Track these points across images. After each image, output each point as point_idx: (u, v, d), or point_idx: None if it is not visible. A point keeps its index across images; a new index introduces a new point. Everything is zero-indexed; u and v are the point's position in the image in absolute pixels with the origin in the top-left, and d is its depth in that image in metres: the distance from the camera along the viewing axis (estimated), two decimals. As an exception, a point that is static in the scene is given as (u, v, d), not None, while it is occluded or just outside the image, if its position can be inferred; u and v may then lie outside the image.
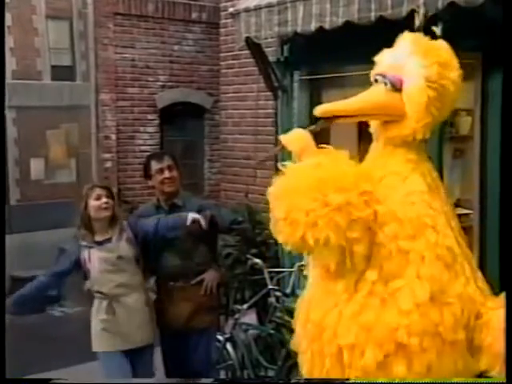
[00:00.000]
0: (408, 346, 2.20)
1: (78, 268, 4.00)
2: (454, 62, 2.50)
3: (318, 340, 2.38)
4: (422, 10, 3.88)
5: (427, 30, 2.69)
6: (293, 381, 4.60)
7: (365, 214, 2.17)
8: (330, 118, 2.45)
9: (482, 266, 4.19)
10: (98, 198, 3.97)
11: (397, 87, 2.40)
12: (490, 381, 2.01)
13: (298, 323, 2.58)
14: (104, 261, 3.94)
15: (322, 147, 2.38)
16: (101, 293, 3.96)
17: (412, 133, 2.41)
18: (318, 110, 2.40)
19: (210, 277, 4.22)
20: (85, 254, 3.96)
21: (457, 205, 4.61)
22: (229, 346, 5.12)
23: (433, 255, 2.25)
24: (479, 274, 2.44)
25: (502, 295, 2.28)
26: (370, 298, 2.25)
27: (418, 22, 2.69)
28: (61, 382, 2.32)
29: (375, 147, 2.57)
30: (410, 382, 2.19)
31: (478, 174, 4.25)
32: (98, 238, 3.98)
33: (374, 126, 2.57)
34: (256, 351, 5.09)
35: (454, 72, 2.47)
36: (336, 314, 2.31)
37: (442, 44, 2.55)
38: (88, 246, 3.96)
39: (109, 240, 3.99)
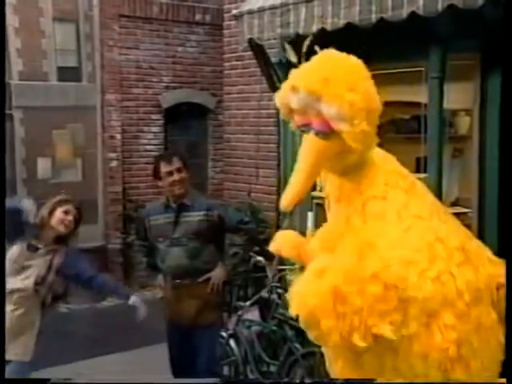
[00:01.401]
0: (462, 356, 2.23)
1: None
2: (355, 72, 2.34)
3: (380, 377, 2.38)
4: (307, 42, 3.98)
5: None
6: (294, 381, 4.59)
7: (392, 304, 2.14)
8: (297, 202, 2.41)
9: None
10: (67, 213, 3.95)
11: (327, 133, 2.30)
12: (489, 381, 1.99)
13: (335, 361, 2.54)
14: (13, 261, 3.86)
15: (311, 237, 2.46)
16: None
17: (361, 156, 2.38)
18: (285, 207, 2.37)
19: (217, 275, 4.22)
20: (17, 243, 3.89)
21: (456, 204, 4.60)
22: (232, 342, 5.12)
23: (455, 265, 2.26)
24: (477, 242, 2.52)
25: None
26: (418, 329, 2.23)
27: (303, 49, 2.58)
28: (60, 382, 2.30)
29: (330, 179, 2.55)
30: (411, 382, 2.19)
31: (476, 173, 4.24)
32: (33, 241, 3.92)
33: (325, 187, 2.58)
34: (259, 347, 5.09)
35: (361, 82, 2.32)
36: (391, 351, 2.27)
37: (334, 64, 2.38)
38: (22, 240, 3.91)
39: (36, 248, 3.91)
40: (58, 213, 3.93)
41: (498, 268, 2.38)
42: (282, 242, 2.58)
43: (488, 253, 2.46)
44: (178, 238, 4.15)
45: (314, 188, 4.66)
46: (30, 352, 3.90)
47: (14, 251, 3.87)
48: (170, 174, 4.17)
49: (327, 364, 2.61)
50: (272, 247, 2.56)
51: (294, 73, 2.46)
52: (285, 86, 2.43)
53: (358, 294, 2.12)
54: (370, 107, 2.30)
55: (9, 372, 3.66)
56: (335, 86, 2.26)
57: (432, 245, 2.27)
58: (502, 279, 2.32)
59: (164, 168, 4.19)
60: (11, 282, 3.79)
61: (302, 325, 2.24)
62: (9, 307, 3.78)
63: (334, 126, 2.26)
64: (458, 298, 2.23)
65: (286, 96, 2.41)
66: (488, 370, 2.28)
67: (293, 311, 2.23)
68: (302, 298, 2.19)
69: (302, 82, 2.36)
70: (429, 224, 2.33)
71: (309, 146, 2.35)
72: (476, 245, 2.45)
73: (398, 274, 2.19)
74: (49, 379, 2.10)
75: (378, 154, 2.54)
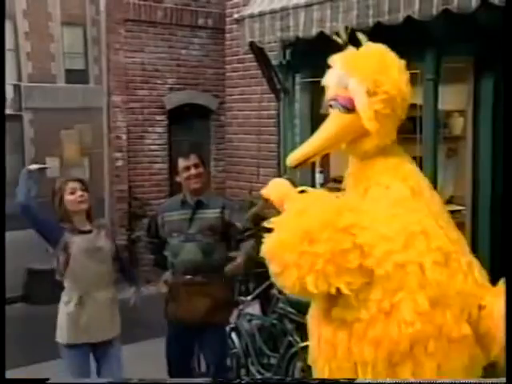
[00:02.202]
0: (414, 354, 2.18)
1: (51, 238, 3.89)
2: (390, 62, 2.43)
3: (333, 358, 2.36)
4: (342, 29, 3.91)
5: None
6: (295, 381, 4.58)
7: (353, 264, 2.16)
8: (303, 162, 2.47)
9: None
10: (73, 192, 3.88)
11: (350, 109, 2.37)
12: (490, 381, 1.96)
13: (311, 339, 2.55)
14: (84, 250, 3.83)
15: (302, 191, 2.41)
16: (76, 284, 3.86)
17: (377, 143, 2.41)
18: (291, 161, 2.44)
19: (237, 264, 4.10)
20: (66, 238, 3.84)
21: (450, 201, 4.60)
22: (234, 335, 5.12)
23: (429, 261, 2.20)
24: (475, 263, 2.36)
25: (500, 284, 2.25)
26: (376, 314, 2.21)
27: (341, 40, 2.63)
28: (59, 382, 2.27)
29: (352, 161, 2.56)
30: (411, 382, 2.18)
31: (470, 172, 4.23)
32: (80, 227, 3.90)
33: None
34: (259, 340, 5.09)
35: (393, 71, 2.40)
36: (346, 332, 2.28)
37: (371, 51, 2.48)
38: (70, 231, 3.86)
39: (90, 231, 3.91)
40: (67, 197, 3.88)
41: (484, 291, 2.27)
42: (273, 187, 2.60)
43: (479, 275, 2.32)
44: (193, 233, 4.13)
45: (313, 185, 4.67)
46: None
47: (78, 240, 3.86)
48: (187, 168, 4.18)
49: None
50: (263, 191, 2.58)
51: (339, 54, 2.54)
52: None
53: (326, 240, 2.13)
54: (393, 94, 2.34)
55: None
56: (366, 66, 2.37)
57: (414, 235, 2.23)
58: (484, 302, 2.23)
59: (182, 163, 4.20)
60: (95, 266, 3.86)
61: (266, 256, 2.24)
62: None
63: (355, 101, 2.34)
64: (419, 291, 2.17)
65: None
66: (449, 376, 2.21)
67: (264, 243, 2.25)
68: (275, 231, 2.23)
69: (339, 58, 2.48)
70: (420, 218, 2.29)
71: (331, 118, 2.43)
72: (468, 261, 2.32)
73: (368, 240, 2.19)
74: (47, 379, 2.05)
75: (401, 154, 2.54)
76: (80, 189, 3.90)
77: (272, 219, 2.27)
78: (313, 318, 2.54)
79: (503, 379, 1.92)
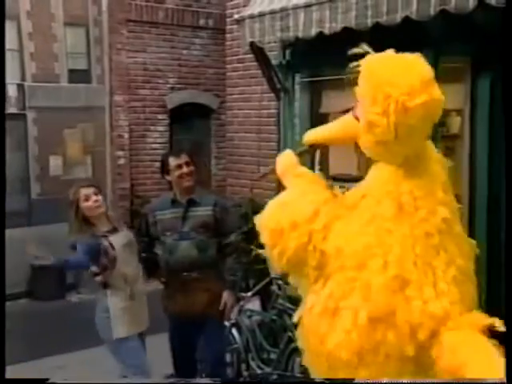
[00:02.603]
0: (349, 361, 2.19)
1: (96, 259, 3.92)
2: (412, 84, 2.15)
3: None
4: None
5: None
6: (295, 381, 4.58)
7: (312, 263, 2.29)
8: (313, 146, 2.58)
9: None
10: (87, 198, 3.92)
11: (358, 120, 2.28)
12: (490, 381, 1.93)
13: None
14: (125, 246, 3.97)
15: (301, 171, 2.51)
16: (125, 279, 3.97)
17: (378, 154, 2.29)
18: (307, 140, 2.52)
19: (229, 300, 4.23)
20: (106, 242, 3.91)
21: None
22: (234, 331, 5.12)
23: (379, 283, 2.17)
24: (454, 291, 2.20)
25: (466, 317, 2.15)
26: (324, 313, 2.27)
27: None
28: (59, 382, 2.26)
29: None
30: (410, 382, 2.17)
31: (467, 170, 4.23)
32: (104, 228, 3.96)
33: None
34: (260, 336, 5.09)
35: (412, 98, 2.12)
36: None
37: (397, 67, 2.26)
38: (104, 235, 3.92)
39: (116, 229, 3.99)
40: (83, 204, 3.91)
41: (445, 321, 2.15)
42: (282, 159, 2.61)
43: (446, 305, 2.16)
44: (186, 231, 4.13)
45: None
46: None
47: (115, 241, 3.94)
48: (179, 167, 4.16)
49: None
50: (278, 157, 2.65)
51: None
52: None
53: (294, 238, 2.30)
54: (396, 133, 2.13)
55: None
56: (375, 94, 2.16)
57: (372, 257, 2.20)
58: (441, 327, 2.13)
59: (173, 162, 4.18)
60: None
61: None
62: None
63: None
64: (362, 307, 2.17)
65: None
66: None
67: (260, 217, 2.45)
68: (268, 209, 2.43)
69: (365, 69, 2.31)
70: (388, 242, 2.21)
71: (344, 117, 2.41)
72: (439, 291, 2.18)
73: (329, 248, 2.27)
74: (47, 379, 2.04)
75: (435, 160, 2.41)
76: (93, 193, 3.95)
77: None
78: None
79: (503, 379, 1.89)
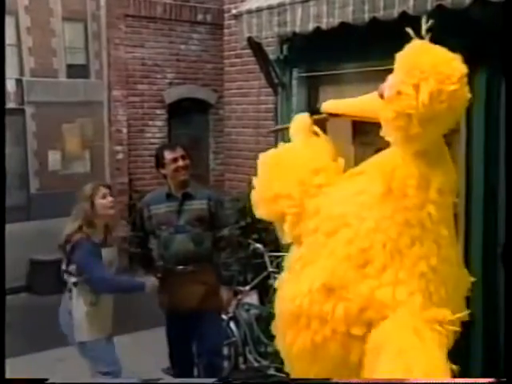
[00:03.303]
0: (297, 324, 2.28)
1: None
2: (447, 73, 2.20)
3: None
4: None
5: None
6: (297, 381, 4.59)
7: (291, 211, 2.42)
8: (333, 114, 2.60)
9: (466, 250, 4.19)
10: (104, 196, 3.91)
11: (380, 96, 2.31)
12: (490, 381, 1.91)
13: None
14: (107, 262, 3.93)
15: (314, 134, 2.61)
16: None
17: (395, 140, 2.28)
18: (326, 107, 2.59)
19: (226, 295, 4.28)
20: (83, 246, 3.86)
21: (444, 193, 4.59)
22: (232, 325, 5.13)
23: (342, 253, 2.21)
24: (413, 283, 2.19)
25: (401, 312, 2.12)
26: (290, 274, 2.40)
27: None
28: (59, 382, 2.26)
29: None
30: (410, 382, 2.17)
31: (463, 164, 4.23)
32: (96, 238, 3.90)
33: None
34: (257, 329, 5.11)
35: (444, 84, 2.16)
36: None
37: (438, 54, 2.31)
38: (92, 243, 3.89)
39: (105, 244, 3.95)
40: (98, 201, 3.88)
41: (394, 304, 2.15)
42: (296, 120, 2.75)
43: (402, 294, 2.16)
44: (182, 225, 4.13)
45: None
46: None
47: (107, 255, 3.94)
48: (175, 160, 4.16)
49: None
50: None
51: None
52: None
53: (283, 183, 2.47)
54: (422, 109, 2.13)
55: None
56: (415, 67, 2.21)
57: (346, 226, 2.26)
58: (389, 313, 2.13)
59: (168, 155, 4.17)
60: None
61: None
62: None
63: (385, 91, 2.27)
64: (320, 273, 2.24)
65: None
66: (315, 363, 2.30)
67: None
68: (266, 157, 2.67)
69: (411, 49, 2.37)
70: (366, 216, 2.25)
71: (370, 94, 2.45)
72: (403, 276, 2.18)
73: (319, 205, 2.39)
74: (47, 379, 2.03)
75: (443, 162, 2.40)
76: (109, 194, 3.96)
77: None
78: None
79: (503, 379, 1.86)
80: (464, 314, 2.16)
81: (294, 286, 2.31)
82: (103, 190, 3.93)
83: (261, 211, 2.57)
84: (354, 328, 2.16)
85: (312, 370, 2.30)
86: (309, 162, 2.46)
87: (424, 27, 2.40)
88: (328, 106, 2.60)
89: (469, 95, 2.24)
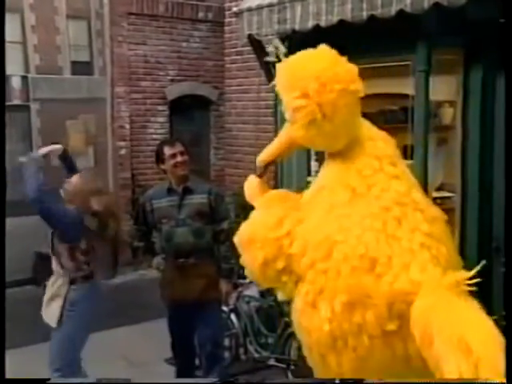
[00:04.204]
0: (336, 347, 2.23)
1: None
2: (304, 73, 2.30)
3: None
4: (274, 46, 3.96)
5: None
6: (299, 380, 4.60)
7: (279, 266, 2.40)
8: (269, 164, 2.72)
9: (462, 244, 4.19)
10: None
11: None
12: (489, 381, 1.90)
13: None
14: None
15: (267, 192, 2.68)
16: None
17: (324, 144, 2.44)
18: (258, 162, 2.69)
19: (225, 288, 4.27)
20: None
21: (440, 188, 4.59)
22: (233, 317, 5.14)
23: (348, 268, 2.20)
24: (420, 260, 2.20)
25: (433, 281, 2.11)
26: (304, 310, 2.34)
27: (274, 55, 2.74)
28: (59, 382, 2.26)
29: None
30: (410, 382, 2.17)
31: (459, 160, 4.23)
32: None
33: None
34: (258, 321, 5.11)
35: (306, 81, 2.27)
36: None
37: (283, 66, 2.46)
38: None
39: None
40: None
41: (416, 288, 2.13)
42: (246, 186, 2.82)
43: (417, 274, 2.16)
44: (183, 218, 4.14)
45: (309, 173, 4.66)
46: None
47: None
48: (174, 156, 4.16)
49: None
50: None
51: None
52: None
53: (260, 248, 2.42)
54: (310, 106, 2.26)
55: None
56: (291, 88, 2.34)
57: (335, 244, 2.24)
58: (414, 298, 2.11)
59: (168, 151, 4.18)
60: None
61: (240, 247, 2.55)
62: None
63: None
64: (336, 294, 2.21)
65: None
66: (372, 373, 2.21)
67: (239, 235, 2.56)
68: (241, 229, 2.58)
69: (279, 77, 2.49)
70: (346, 226, 2.25)
71: (284, 128, 2.58)
72: (405, 262, 2.18)
73: (298, 250, 2.37)
74: (47, 379, 2.02)
75: (377, 138, 2.49)
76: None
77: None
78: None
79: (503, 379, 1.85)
80: (480, 265, 2.07)
81: (315, 316, 2.28)
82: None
83: (257, 279, 2.58)
84: (388, 325, 2.14)
85: (372, 377, 2.21)
86: (268, 221, 2.47)
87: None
88: (261, 159, 2.70)
89: (353, 69, 2.36)
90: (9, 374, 2.91)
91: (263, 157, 2.69)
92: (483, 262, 2.06)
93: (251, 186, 2.76)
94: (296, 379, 3.07)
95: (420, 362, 2.06)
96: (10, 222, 6.75)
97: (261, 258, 2.40)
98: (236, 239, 2.58)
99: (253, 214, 2.58)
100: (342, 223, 2.26)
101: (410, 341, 2.10)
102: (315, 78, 2.25)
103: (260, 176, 2.74)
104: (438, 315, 1.98)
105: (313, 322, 2.28)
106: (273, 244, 2.40)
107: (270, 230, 2.42)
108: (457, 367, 1.82)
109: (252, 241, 2.45)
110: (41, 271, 8.54)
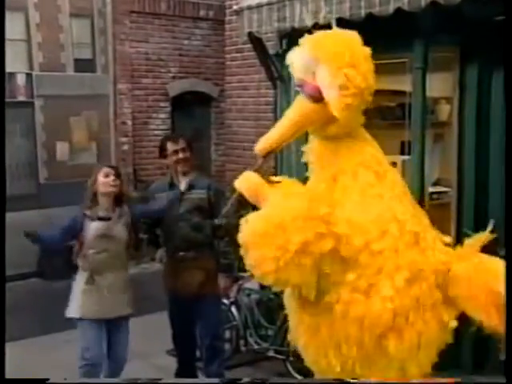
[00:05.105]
0: (396, 326, 2.22)
1: (73, 234, 3.90)
2: (360, 53, 2.27)
3: (315, 338, 2.39)
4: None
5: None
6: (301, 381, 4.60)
7: (326, 247, 2.15)
8: (271, 151, 2.37)
9: (457, 237, 4.19)
10: (107, 175, 3.88)
11: (316, 98, 2.25)
12: (489, 381, 1.93)
13: (291, 319, 2.64)
14: (99, 236, 3.85)
15: (273, 182, 2.35)
16: (87, 264, 3.89)
17: (343, 129, 2.33)
18: (258, 150, 2.32)
19: (223, 282, 4.23)
20: (85, 223, 3.86)
21: (437, 183, 4.59)
22: (233, 309, 5.13)
23: (403, 244, 2.23)
24: (436, 234, 2.42)
25: (462, 248, 2.37)
26: (353, 294, 2.23)
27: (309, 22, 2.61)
28: (59, 382, 2.23)
29: (315, 140, 2.47)
30: (409, 382, 2.18)
31: (455, 155, 4.22)
32: (101, 213, 3.88)
33: None
34: (258, 313, 5.10)
35: (363, 64, 2.25)
36: (327, 313, 2.29)
37: (343, 40, 2.31)
38: (90, 217, 3.87)
39: (108, 218, 3.89)
40: (100, 178, 3.88)
41: (450, 256, 2.33)
42: (244, 182, 2.41)
43: (442, 244, 2.39)
44: (183, 213, 4.13)
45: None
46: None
47: (93, 227, 3.86)
48: (176, 152, 4.15)
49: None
50: (236, 184, 2.42)
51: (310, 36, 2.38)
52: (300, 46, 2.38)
53: (299, 230, 2.10)
54: (363, 87, 2.23)
55: None
56: (338, 57, 2.21)
57: (387, 222, 2.24)
58: (451, 265, 2.31)
59: (170, 147, 4.16)
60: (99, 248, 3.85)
61: (243, 247, 2.21)
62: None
63: (324, 92, 2.21)
64: (396, 272, 2.21)
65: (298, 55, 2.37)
66: (425, 347, 2.26)
67: (242, 234, 2.21)
68: (250, 223, 2.21)
69: (310, 40, 2.32)
70: (389, 204, 2.29)
71: (297, 105, 2.32)
72: (432, 235, 2.38)
73: (345, 230, 2.20)
74: (47, 379, 2.01)
75: (365, 138, 2.49)
76: (114, 174, 3.91)
77: (248, 215, 2.25)
78: (290, 299, 2.57)
79: (503, 379, 1.86)
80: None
81: (370, 300, 2.22)
82: (106, 170, 3.92)
83: (284, 276, 2.16)
84: (436, 294, 2.26)
85: (426, 354, 2.31)
86: (300, 204, 2.18)
87: None
88: (262, 146, 2.36)
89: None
90: (12, 367, 2.91)
91: (264, 144, 2.36)
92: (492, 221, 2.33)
93: (253, 182, 2.37)
94: (300, 379, 3.04)
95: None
96: (16, 216, 6.77)
97: (298, 241, 2.08)
98: (245, 236, 2.19)
99: (272, 202, 2.22)
100: (383, 202, 2.29)
101: (450, 307, 2.29)
102: (365, 58, 2.27)
103: (257, 171, 2.39)
104: (478, 272, 2.24)
105: (368, 306, 2.22)
106: (317, 223, 2.13)
107: (309, 210, 2.14)
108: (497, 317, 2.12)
109: (280, 227, 2.09)
110: (45, 265, 8.55)
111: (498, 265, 2.19)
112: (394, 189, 2.36)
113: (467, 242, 2.36)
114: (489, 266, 2.25)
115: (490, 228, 2.36)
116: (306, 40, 2.35)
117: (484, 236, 2.34)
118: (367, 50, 2.30)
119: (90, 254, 3.87)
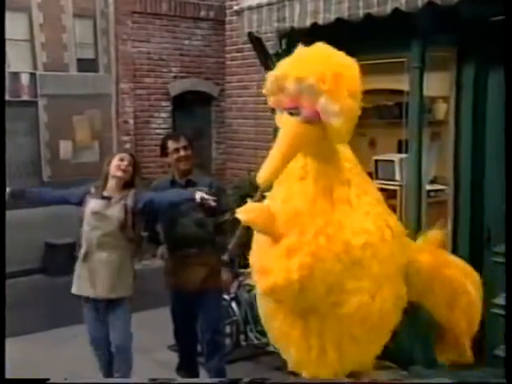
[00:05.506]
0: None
1: (67, 201, 4.07)
2: (357, 79, 2.20)
3: (300, 340, 2.56)
4: None
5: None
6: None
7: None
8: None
9: (454, 235, 4.19)
10: (121, 160, 3.96)
11: (313, 122, 2.19)
12: (489, 381, 1.90)
13: (272, 320, 2.82)
14: (94, 213, 3.89)
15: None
16: (83, 240, 3.95)
17: (333, 146, 2.36)
18: (262, 182, 2.20)
19: (226, 280, 4.25)
20: (86, 199, 3.95)
21: (433, 181, 4.59)
22: (234, 304, 5.14)
23: (399, 248, 2.42)
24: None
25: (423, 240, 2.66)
26: (366, 298, 2.34)
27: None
28: (59, 382, 2.23)
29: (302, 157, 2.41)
30: (409, 382, 2.18)
31: (452, 154, 4.23)
32: (105, 193, 3.94)
33: None
34: (257, 308, 5.11)
35: (359, 89, 2.20)
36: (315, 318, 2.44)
37: (346, 65, 2.22)
38: (93, 195, 3.94)
39: (109, 198, 3.91)
40: (114, 161, 3.95)
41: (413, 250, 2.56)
42: (256, 215, 2.27)
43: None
44: (185, 210, 4.13)
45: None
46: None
47: (92, 204, 3.91)
48: (177, 150, 4.14)
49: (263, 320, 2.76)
50: (242, 217, 2.25)
51: (294, 59, 2.27)
52: (283, 69, 2.25)
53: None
54: (359, 112, 2.20)
55: None
56: (341, 88, 2.13)
57: (382, 229, 2.36)
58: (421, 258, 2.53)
59: (172, 145, 4.16)
60: (97, 229, 3.88)
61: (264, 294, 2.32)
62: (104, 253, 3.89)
63: (325, 118, 2.14)
64: (396, 273, 2.39)
65: (282, 78, 2.23)
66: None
67: (260, 286, 2.27)
68: (269, 274, 2.19)
69: (311, 73, 2.15)
70: (379, 210, 2.43)
71: (290, 128, 2.23)
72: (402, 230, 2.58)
73: (358, 255, 2.27)
74: (47, 379, 2.01)
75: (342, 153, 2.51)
76: (128, 161, 3.97)
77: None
78: (268, 303, 2.64)
79: (503, 379, 1.83)
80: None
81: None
82: (122, 156, 4.02)
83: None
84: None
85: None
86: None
87: None
88: (263, 177, 2.20)
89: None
90: (17, 362, 2.91)
91: (269, 175, 2.20)
92: None
93: (261, 214, 2.27)
94: (301, 379, 3.02)
95: None
96: (20, 213, 6.77)
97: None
98: (271, 286, 2.20)
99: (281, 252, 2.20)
100: (375, 209, 2.40)
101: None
102: (359, 83, 2.21)
103: (259, 200, 2.33)
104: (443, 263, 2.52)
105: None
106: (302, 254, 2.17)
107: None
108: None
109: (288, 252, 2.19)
110: (49, 261, 8.55)
111: (460, 261, 2.50)
112: (374, 189, 2.57)
113: (428, 236, 2.62)
114: (451, 260, 2.54)
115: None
116: (302, 63, 2.23)
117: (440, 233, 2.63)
118: (358, 73, 2.23)
119: (86, 231, 3.93)
